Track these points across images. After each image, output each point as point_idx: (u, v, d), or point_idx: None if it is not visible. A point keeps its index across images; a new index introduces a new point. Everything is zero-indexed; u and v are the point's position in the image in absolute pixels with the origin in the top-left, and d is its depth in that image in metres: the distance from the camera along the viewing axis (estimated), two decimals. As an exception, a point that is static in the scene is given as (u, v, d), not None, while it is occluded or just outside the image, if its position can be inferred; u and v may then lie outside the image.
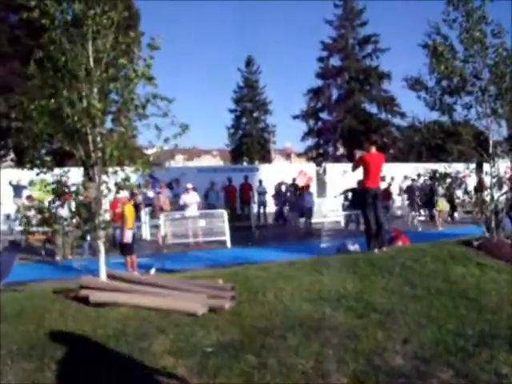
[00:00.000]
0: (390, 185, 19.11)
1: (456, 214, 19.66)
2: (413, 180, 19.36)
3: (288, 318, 5.62)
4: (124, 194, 9.59)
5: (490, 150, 9.16)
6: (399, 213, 20.40)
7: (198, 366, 4.40)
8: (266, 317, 5.71)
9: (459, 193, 11.18)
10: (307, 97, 43.08)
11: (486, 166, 9.38)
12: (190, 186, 16.09)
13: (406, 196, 19.88)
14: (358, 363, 4.45)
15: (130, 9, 7.16)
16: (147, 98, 7.03)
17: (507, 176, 9.61)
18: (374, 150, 9.14)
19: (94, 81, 6.80)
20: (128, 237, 10.07)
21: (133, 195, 11.12)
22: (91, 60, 6.94)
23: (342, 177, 22.11)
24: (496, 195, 9.15)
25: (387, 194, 18.20)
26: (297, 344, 4.84)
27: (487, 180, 9.38)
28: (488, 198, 9.17)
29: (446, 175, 9.91)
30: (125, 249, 10.07)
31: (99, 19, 6.94)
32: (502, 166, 9.45)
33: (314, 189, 22.43)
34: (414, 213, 18.48)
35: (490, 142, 9.20)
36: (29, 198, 13.45)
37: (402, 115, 40.98)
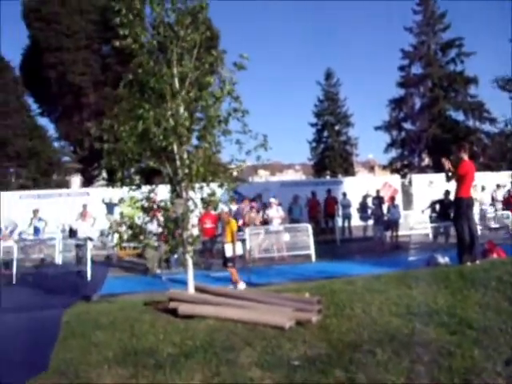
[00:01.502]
0: None
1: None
2: None
3: (376, 333, 5.44)
4: (224, 209, 9.93)
5: None
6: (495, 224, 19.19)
7: (285, 379, 4.34)
8: (353, 331, 5.56)
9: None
10: (389, 107, 42.14)
11: None
12: (273, 200, 16.16)
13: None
14: (454, 383, 4.21)
15: (210, 29, 7.47)
16: (229, 112, 7.21)
17: None
18: (466, 157, 8.68)
19: (180, 100, 7.07)
20: (240, 249, 10.32)
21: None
22: (176, 80, 7.24)
23: (429, 188, 21.29)
24: None
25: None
26: (386, 360, 4.66)
27: None
28: None
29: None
30: (232, 261, 10.20)
31: (182, 42, 7.25)
32: None
33: (399, 201, 21.78)
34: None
35: None
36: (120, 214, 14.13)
37: (492, 121, 38.89)
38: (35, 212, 16.07)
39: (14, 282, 12.07)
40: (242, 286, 9.69)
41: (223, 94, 7.14)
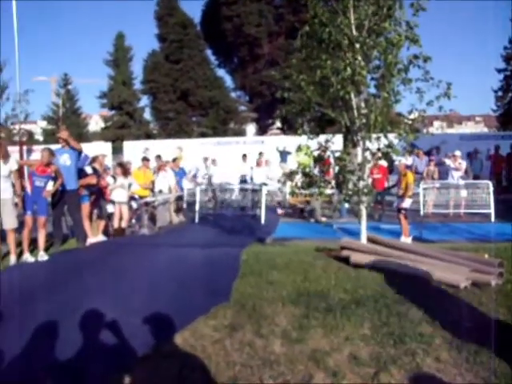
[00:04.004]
0: None
1: None
2: None
3: None
4: (405, 161, 9.71)
5: None
6: None
7: (456, 339, 4.15)
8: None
9: None
10: None
11: None
12: (458, 153, 15.08)
13: None
14: None
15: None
16: (409, 59, 6.87)
17: None
18: None
19: (358, 48, 6.91)
20: (409, 203, 10.08)
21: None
22: (353, 28, 7.06)
23: None
24: None
25: None
26: None
27: None
28: None
29: None
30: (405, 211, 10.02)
31: None
32: None
33: None
34: None
35: None
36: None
37: None
38: (206, 159, 17.44)
39: (196, 221, 13.25)
40: (407, 239, 9.42)
41: (400, 38, 6.78)
